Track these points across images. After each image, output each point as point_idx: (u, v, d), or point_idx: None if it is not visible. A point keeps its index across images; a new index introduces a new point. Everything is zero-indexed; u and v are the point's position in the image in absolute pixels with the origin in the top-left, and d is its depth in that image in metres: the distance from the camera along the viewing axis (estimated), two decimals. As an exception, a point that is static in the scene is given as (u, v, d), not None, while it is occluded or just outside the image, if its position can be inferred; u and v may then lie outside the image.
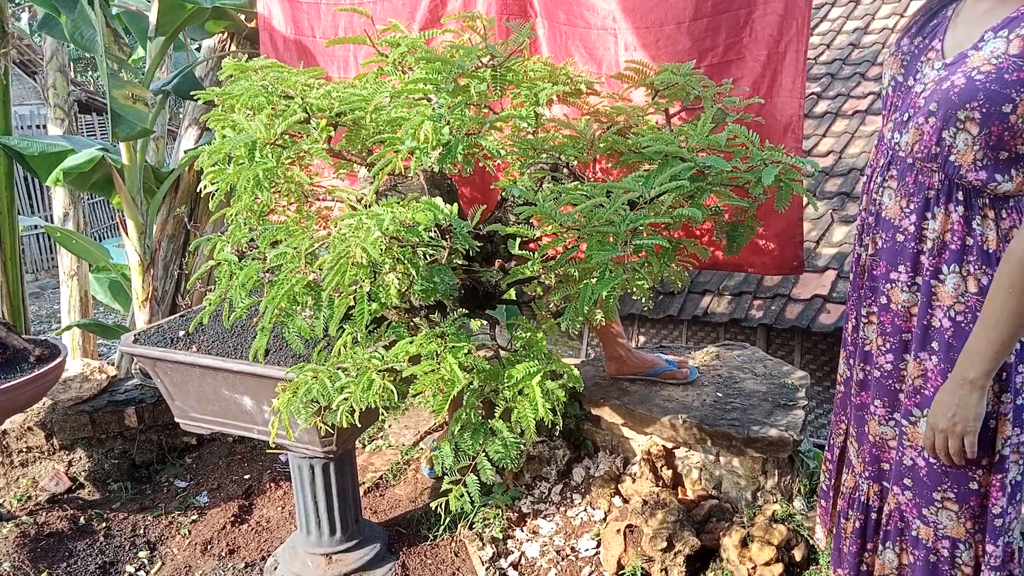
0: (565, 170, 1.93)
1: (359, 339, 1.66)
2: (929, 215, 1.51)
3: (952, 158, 1.45)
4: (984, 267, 1.46)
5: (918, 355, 1.54)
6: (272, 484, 3.05)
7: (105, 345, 8.20)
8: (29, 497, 3.00)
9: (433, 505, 1.95)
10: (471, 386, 1.46)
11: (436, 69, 1.49)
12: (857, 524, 1.72)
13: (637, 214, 1.43)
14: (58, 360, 2.76)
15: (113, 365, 3.69)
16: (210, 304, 1.70)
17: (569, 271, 1.50)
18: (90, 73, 16.72)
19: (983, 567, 1.54)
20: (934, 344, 1.52)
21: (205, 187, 1.84)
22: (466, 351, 1.45)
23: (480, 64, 1.55)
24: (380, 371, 1.49)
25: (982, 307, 1.44)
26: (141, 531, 2.81)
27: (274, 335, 2.15)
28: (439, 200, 1.47)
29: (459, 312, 1.50)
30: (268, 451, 3.30)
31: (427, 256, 1.36)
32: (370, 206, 1.48)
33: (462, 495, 1.74)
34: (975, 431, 1.44)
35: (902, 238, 1.55)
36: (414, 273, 1.32)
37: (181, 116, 3.94)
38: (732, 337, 4.48)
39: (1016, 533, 1.58)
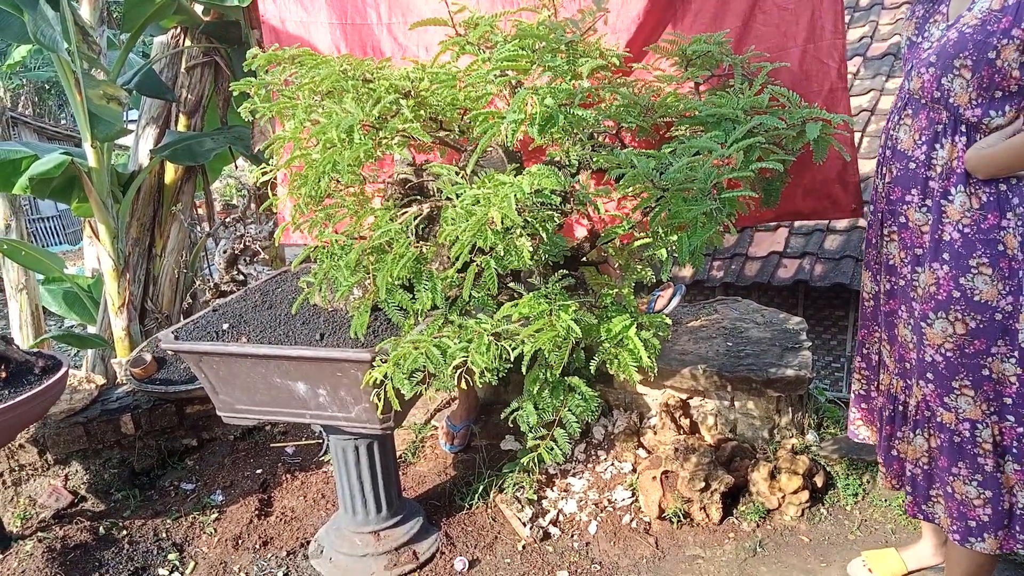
0: (601, 138, 2.05)
1: (444, 310, 1.73)
2: (938, 145, 1.78)
3: (951, 100, 1.73)
4: (983, 186, 1.73)
5: (931, 265, 1.80)
6: (288, 476, 3.05)
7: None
8: (31, 516, 2.89)
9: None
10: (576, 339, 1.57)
11: (531, 45, 1.58)
12: (887, 413, 1.97)
13: (720, 170, 1.57)
14: (63, 370, 2.69)
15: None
16: (309, 288, 1.73)
17: (656, 228, 1.63)
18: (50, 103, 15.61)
19: (1007, 454, 1.78)
20: (945, 255, 1.78)
21: (259, 177, 1.87)
22: (574, 308, 1.56)
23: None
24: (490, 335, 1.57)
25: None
26: (164, 534, 2.77)
27: (305, 322, 2.18)
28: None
29: (560, 274, 1.60)
30: (273, 445, 3.29)
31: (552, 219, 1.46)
32: (469, 180, 1.55)
33: (551, 448, 1.85)
34: None
35: (913, 166, 1.82)
36: (543, 235, 1.42)
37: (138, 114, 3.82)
38: (693, 298, 4.73)
39: None
